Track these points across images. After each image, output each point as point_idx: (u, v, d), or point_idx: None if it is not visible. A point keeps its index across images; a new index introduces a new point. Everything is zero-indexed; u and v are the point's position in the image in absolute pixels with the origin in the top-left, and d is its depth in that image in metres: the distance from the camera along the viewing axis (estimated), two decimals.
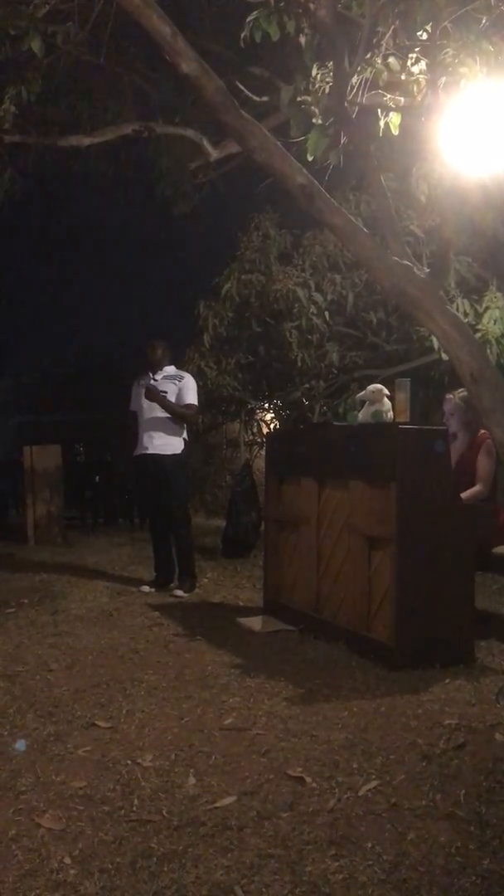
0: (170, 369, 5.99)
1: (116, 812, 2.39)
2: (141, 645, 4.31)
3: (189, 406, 5.88)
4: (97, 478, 10.62)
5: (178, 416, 5.83)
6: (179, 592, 5.73)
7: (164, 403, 5.76)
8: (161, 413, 5.79)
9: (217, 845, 2.18)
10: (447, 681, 3.56)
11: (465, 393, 4.58)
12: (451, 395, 4.69)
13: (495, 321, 6.65)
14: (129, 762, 2.74)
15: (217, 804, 2.43)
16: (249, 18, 3.73)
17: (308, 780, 2.59)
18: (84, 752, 2.84)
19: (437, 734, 2.96)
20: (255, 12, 3.73)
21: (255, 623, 4.75)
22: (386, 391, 4.41)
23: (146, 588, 5.89)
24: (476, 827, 2.27)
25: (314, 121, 3.96)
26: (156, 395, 5.75)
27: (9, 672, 3.80)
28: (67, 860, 2.12)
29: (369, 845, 2.18)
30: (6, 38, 4.87)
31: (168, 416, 5.80)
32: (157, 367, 5.94)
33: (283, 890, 1.97)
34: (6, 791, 2.53)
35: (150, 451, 5.82)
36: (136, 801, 2.45)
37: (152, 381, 5.89)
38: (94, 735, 3.00)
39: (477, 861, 2.09)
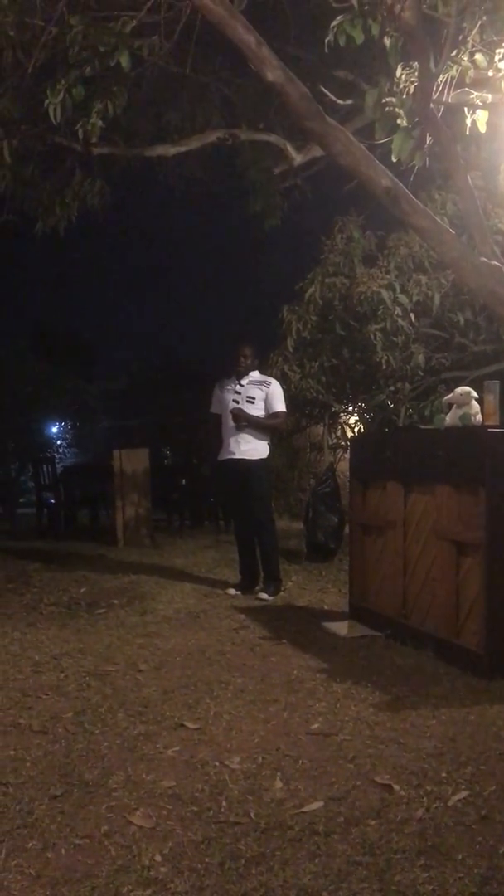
0: (255, 374, 6.02)
1: (205, 812, 2.42)
2: (227, 647, 4.36)
3: (277, 415, 5.93)
4: (183, 480, 10.78)
5: (269, 428, 5.92)
6: (264, 595, 5.76)
7: (254, 422, 5.84)
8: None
9: (304, 850, 2.19)
10: None
11: None
12: None
13: None
14: (216, 764, 2.78)
15: (304, 808, 2.43)
16: (334, 23, 3.74)
17: (396, 787, 2.56)
18: (173, 752, 2.89)
19: None
20: (339, 17, 3.73)
21: (340, 628, 4.73)
22: (474, 393, 4.32)
23: (232, 591, 5.94)
24: None
25: (399, 122, 3.93)
26: (244, 418, 5.83)
27: (100, 671, 3.91)
28: (158, 858, 2.16)
29: (460, 857, 2.14)
30: (95, 55, 5.00)
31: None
32: (244, 374, 5.99)
33: None
34: (98, 788, 2.60)
35: (237, 455, 5.88)
36: (223, 803, 2.48)
37: (239, 386, 5.94)
38: (182, 735, 3.05)
39: None
